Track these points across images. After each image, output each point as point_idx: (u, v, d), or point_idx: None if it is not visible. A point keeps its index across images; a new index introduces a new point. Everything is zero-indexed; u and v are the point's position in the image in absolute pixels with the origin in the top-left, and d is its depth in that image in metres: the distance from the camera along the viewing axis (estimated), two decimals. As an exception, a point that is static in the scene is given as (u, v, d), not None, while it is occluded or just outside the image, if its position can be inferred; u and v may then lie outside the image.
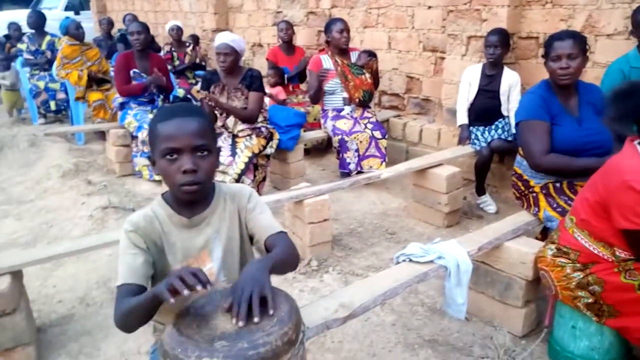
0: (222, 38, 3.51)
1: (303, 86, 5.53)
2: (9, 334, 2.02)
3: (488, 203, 3.76)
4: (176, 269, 1.23)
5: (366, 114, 4.28)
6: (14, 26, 7.01)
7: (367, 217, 3.66)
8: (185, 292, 0.99)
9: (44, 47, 6.08)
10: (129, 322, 1.18)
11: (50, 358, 2.20)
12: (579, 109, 2.50)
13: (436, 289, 2.65)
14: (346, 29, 4.14)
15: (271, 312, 1.05)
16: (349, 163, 4.04)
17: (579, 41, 2.39)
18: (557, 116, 2.48)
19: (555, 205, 2.46)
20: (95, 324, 2.43)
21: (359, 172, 4.00)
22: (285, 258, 1.28)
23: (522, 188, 2.67)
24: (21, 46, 6.12)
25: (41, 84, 5.89)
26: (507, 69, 3.70)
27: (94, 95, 5.44)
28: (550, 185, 2.51)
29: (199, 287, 1.00)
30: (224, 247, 1.34)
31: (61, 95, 5.90)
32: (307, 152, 4.68)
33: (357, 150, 4.02)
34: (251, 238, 1.40)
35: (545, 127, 2.46)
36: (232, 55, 3.48)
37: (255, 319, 1.02)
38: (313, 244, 2.95)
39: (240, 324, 1.01)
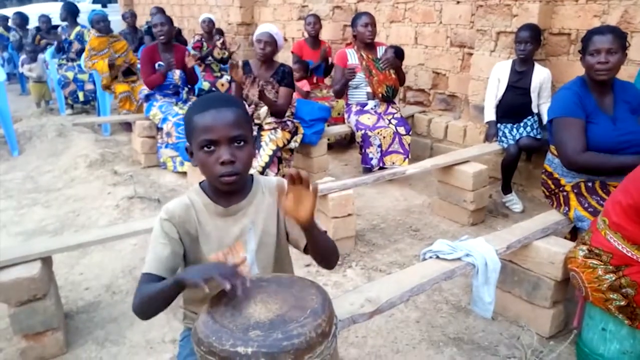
0: (265, 27, 3.56)
1: (327, 80, 5.51)
2: (39, 318, 2.06)
3: (514, 202, 3.70)
4: (210, 262, 1.23)
5: (390, 110, 4.25)
6: (43, 18, 7.15)
7: (390, 213, 3.63)
8: (227, 286, 1.01)
9: (72, 37, 6.18)
10: (147, 308, 1.20)
11: (77, 343, 2.23)
12: (614, 107, 2.43)
13: (460, 287, 2.62)
14: (372, 23, 4.10)
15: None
16: (372, 158, 4.02)
17: (619, 36, 2.33)
18: (592, 114, 2.41)
19: (586, 205, 2.41)
20: (121, 312, 2.46)
21: (381, 168, 3.98)
22: (330, 247, 1.30)
23: (552, 187, 2.61)
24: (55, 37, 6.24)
25: (70, 75, 5.99)
26: (538, 65, 3.62)
27: (121, 87, 5.52)
28: (582, 185, 2.46)
29: (239, 287, 1.02)
30: (259, 239, 1.33)
31: (89, 87, 5.99)
32: (330, 147, 4.66)
33: (379, 146, 3.99)
34: (287, 234, 1.39)
35: (580, 124, 2.39)
36: (272, 45, 3.51)
37: None
38: (336, 239, 2.93)
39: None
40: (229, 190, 1.27)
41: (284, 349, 0.93)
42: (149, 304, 1.19)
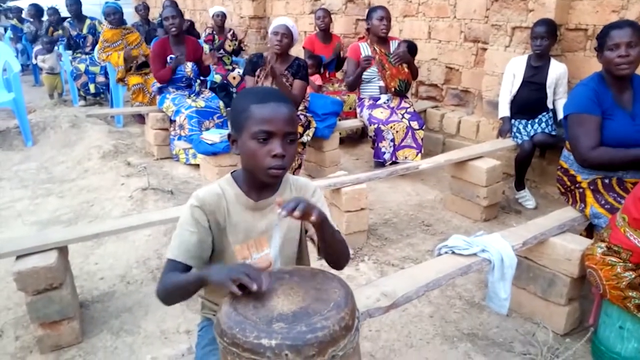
0: (282, 20, 3.56)
1: (339, 74, 5.49)
2: (55, 307, 2.08)
3: (527, 198, 3.68)
4: (239, 263, 1.25)
5: (403, 104, 4.23)
6: (50, 11, 7.16)
7: (402, 207, 3.62)
8: (254, 287, 1.02)
9: (85, 31, 6.20)
10: (171, 297, 1.24)
11: (93, 333, 2.25)
12: (633, 103, 2.40)
13: (474, 283, 2.61)
14: (387, 17, 4.08)
15: (313, 218, 1.10)
16: (384, 153, 4.01)
17: (638, 30, 2.29)
18: (609, 110, 2.38)
19: (603, 202, 2.38)
20: (136, 301, 2.48)
21: (394, 163, 3.97)
22: (341, 247, 1.29)
23: (568, 183, 2.59)
24: (62, 32, 6.26)
25: (82, 67, 6.02)
26: (555, 60, 3.58)
27: (134, 79, 5.54)
28: (599, 181, 2.43)
29: (264, 287, 1.04)
30: (284, 235, 1.34)
31: (100, 79, 6.02)
32: (341, 141, 4.64)
33: (392, 140, 3.97)
34: (306, 230, 1.41)
35: (595, 121, 2.37)
36: (288, 38, 3.50)
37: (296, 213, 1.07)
38: (349, 233, 2.93)
39: (283, 213, 1.07)
40: (271, 182, 1.29)
41: (308, 342, 0.93)
42: (173, 293, 1.22)
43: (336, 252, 1.29)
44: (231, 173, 1.36)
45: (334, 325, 0.96)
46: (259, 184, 1.30)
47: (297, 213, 1.07)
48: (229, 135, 1.31)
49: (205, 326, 1.41)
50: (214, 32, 6.15)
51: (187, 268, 1.25)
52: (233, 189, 1.32)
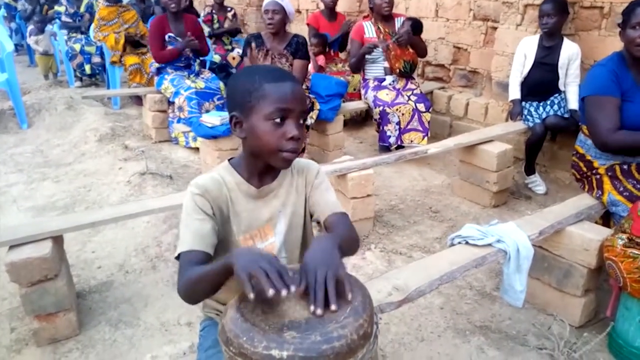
0: None
1: (342, 54, 5.34)
2: (51, 299, 1.99)
3: (537, 183, 3.57)
4: (265, 254, 1.13)
5: (410, 85, 4.10)
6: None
7: (408, 193, 3.52)
8: (271, 292, 0.88)
9: (82, 9, 6.02)
10: (196, 291, 1.08)
11: (90, 324, 2.17)
12: (656, 85, 2.28)
13: (484, 272, 2.53)
14: (389, -6, 3.92)
15: (349, 296, 0.94)
16: (390, 136, 3.89)
17: (667, 9, 2.16)
18: (629, 92, 2.26)
19: (621, 189, 2.28)
20: (135, 292, 2.39)
21: (399, 146, 3.86)
22: (349, 241, 1.19)
23: (584, 169, 2.48)
24: (59, 8, 6.05)
25: (77, 47, 5.84)
26: (567, 40, 3.44)
27: (131, 59, 5.37)
28: (617, 167, 2.33)
29: (284, 292, 0.89)
30: (288, 222, 1.26)
31: (96, 59, 5.85)
32: (344, 123, 4.51)
33: (398, 123, 3.85)
34: (311, 214, 1.31)
35: (614, 103, 2.25)
36: (281, 14, 3.33)
37: (333, 307, 0.91)
38: (355, 220, 2.83)
39: (318, 312, 0.91)
40: (283, 167, 1.21)
41: (324, 353, 0.83)
42: (198, 287, 1.06)
43: (346, 252, 1.19)
44: (228, 160, 1.27)
45: (352, 334, 0.87)
46: (262, 169, 1.21)
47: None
48: (232, 117, 1.19)
49: (208, 326, 1.31)
50: (213, 11, 5.94)
51: (207, 257, 1.12)
52: (233, 177, 1.22)
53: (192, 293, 1.08)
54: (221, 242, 1.21)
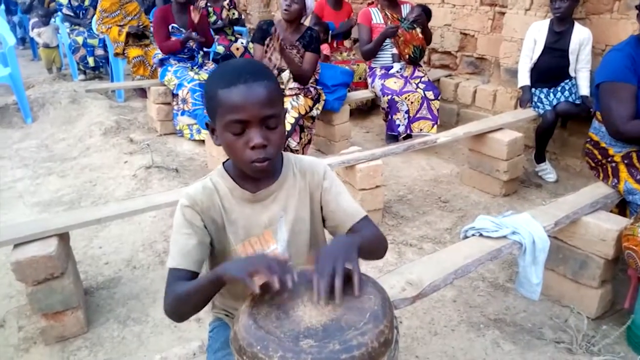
0: None
1: (347, 43, 5.25)
2: (58, 297, 1.97)
3: (547, 171, 3.51)
4: (257, 253, 1.09)
5: (417, 73, 4.02)
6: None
7: (417, 183, 3.47)
8: (277, 283, 0.86)
9: (87, 3, 5.94)
10: (183, 309, 1.06)
11: (98, 322, 2.15)
12: (673, 71, 2.21)
13: (497, 263, 2.48)
14: (395, -20, 3.83)
15: (356, 293, 0.91)
16: (399, 125, 3.83)
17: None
18: (646, 78, 2.20)
19: (639, 177, 2.22)
20: (143, 287, 2.37)
21: (408, 136, 3.80)
22: (374, 241, 1.15)
23: (599, 157, 2.42)
24: (62, 0, 5.98)
25: (80, 39, 5.78)
26: (578, 24, 3.35)
27: (134, 52, 5.31)
28: (634, 155, 2.26)
29: (289, 284, 0.86)
30: (291, 227, 1.17)
31: (99, 52, 5.78)
32: (350, 113, 4.45)
33: (407, 112, 3.79)
34: (324, 219, 1.23)
35: (631, 90, 2.18)
36: (299, 4, 3.24)
37: (337, 300, 0.88)
38: (363, 211, 2.79)
39: (321, 302, 0.88)
40: (258, 177, 1.11)
41: None
42: (184, 304, 1.04)
43: (372, 253, 1.16)
44: (223, 163, 1.18)
45: (372, 342, 0.82)
46: (255, 177, 1.13)
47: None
48: (207, 124, 1.11)
49: (217, 327, 1.27)
50: (208, 3, 5.77)
51: (193, 275, 1.08)
52: (226, 182, 1.14)
53: (179, 311, 1.06)
54: (219, 253, 1.17)
